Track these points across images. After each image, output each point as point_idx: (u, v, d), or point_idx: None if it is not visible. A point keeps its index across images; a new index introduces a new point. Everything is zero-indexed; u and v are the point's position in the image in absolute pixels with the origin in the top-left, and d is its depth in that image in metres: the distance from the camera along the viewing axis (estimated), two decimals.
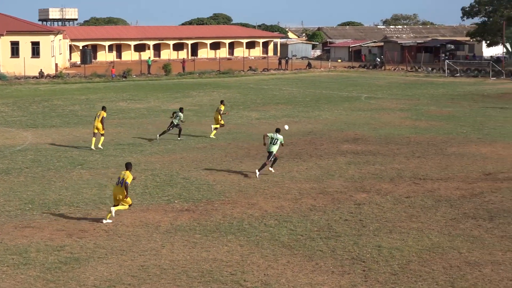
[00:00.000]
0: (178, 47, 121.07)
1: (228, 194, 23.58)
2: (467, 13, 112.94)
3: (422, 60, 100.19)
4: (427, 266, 16.31)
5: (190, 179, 25.96)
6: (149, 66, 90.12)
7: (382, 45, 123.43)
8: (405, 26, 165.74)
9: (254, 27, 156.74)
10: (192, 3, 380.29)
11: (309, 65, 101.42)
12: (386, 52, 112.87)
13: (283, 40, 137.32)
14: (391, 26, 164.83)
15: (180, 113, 35.23)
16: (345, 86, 68.96)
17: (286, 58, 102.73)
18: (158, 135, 35.49)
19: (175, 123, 35.06)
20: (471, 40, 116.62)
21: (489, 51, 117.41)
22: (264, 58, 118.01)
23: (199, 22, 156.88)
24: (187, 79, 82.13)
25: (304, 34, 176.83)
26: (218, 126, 36.48)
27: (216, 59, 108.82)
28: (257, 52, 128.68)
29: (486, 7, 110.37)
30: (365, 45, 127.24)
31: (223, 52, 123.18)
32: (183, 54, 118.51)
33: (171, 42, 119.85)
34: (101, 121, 32.47)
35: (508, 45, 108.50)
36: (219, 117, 36.29)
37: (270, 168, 27.16)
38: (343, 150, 31.89)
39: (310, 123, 41.41)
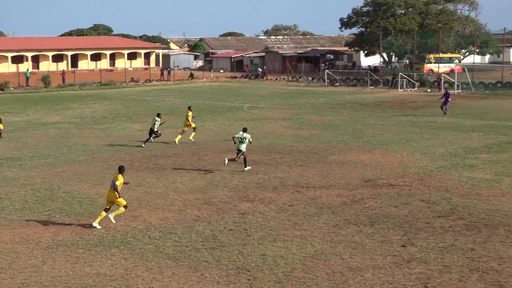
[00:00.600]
0: (57, 58, 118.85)
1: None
2: (345, 23, 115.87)
3: (302, 70, 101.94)
4: (310, 273, 16.55)
5: (71, 193, 25.46)
6: (27, 78, 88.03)
7: (264, 55, 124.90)
8: (286, 37, 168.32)
9: (135, 38, 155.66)
10: (72, 14, 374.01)
11: (191, 75, 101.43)
12: (267, 62, 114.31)
13: (165, 51, 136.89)
14: (272, 37, 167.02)
15: (158, 118, 37.33)
16: (228, 96, 69.32)
17: (168, 69, 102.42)
18: (143, 144, 37.03)
19: (155, 129, 37.13)
20: (350, 50, 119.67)
21: (367, 61, 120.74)
22: (146, 69, 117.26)
23: (79, 33, 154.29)
24: (67, 91, 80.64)
25: (186, 44, 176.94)
26: (193, 129, 38.52)
27: (97, 71, 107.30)
28: (139, 63, 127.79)
29: (363, 18, 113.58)
30: (247, 55, 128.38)
31: (104, 63, 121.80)
32: (62, 66, 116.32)
33: (50, 54, 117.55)
34: None
35: (384, 55, 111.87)
36: (189, 122, 38.09)
37: (245, 168, 29.35)
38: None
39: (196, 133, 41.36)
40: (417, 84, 78.74)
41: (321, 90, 79.01)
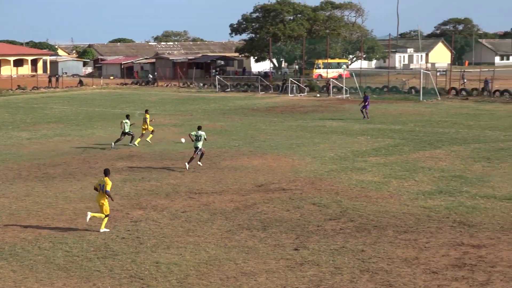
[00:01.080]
0: None
1: None
2: (235, 30, 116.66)
3: (193, 76, 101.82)
4: (204, 279, 16.55)
5: None
6: None
7: (154, 61, 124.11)
8: (176, 43, 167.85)
9: (21, 44, 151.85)
10: None
11: (80, 82, 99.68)
12: (158, 69, 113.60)
13: (53, 58, 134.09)
14: (162, 43, 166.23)
15: (127, 120, 38.74)
16: (118, 103, 68.50)
17: (57, 76, 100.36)
18: (113, 143, 38.52)
19: (127, 131, 38.36)
20: (240, 56, 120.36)
21: (257, 67, 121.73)
22: (33, 76, 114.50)
23: None
24: None
25: (74, 51, 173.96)
26: (150, 132, 39.69)
27: None
28: (25, 70, 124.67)
29: (253, 24, 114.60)
30: (137, 61, 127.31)
31: None
32: None
33: None
34: None
35: (274, 60, 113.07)
36: (147, 124, 39.43)
37: (199, 162, 31.44)
38: (118, 168, 31.63)
39: (83, 141, 40.70)
40: (306, 89, 79.95)
41: (213, 96, 79.16)
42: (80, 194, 26.15)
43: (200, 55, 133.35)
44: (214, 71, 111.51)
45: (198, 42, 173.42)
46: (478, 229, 20.25)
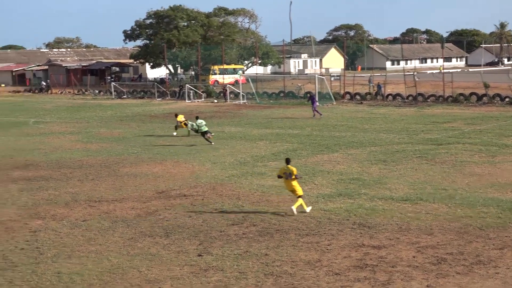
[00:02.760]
0: None
1: None
2: (129, 36, 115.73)
3: (88, 82, 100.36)
4: None
5: None
6: None
7: (47, 68, 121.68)
8: (69, 49, 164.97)
9: None
10: None
11: None
12: (51, 76, 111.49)
13: None
14: (55, 50, 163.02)
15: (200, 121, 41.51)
16: (12, 111, 66.84)
17: None
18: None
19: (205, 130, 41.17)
20: (135, 62, 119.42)
21: (153, 73, 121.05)
22: None
23: None
24: None
25: None
26: None
27: None
28: None
29: (147, 30, 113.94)
30: (29, 68, 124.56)
31: None
32: None
33: None
34: None
35: (170, 67, 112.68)
36: None
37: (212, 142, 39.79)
38: (14, 177, 30.83)
39: None
40: (203, 95, 80.00)
41: (109, 103, 78.20)
42: None
43: (94, 61, 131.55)
44: (109, 77, 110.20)
45: (92, 49, 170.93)
46: (377, 230, 20.69)
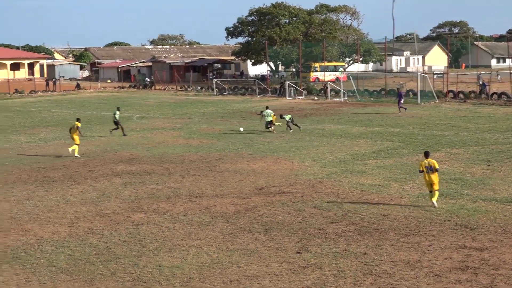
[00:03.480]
0: None
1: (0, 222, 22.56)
2: (231, 33, 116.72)
3: (191, 79, 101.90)
4: (207, 282, 16.52)
5: None
6: None
7: (151, 65, 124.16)
8: (172, 46, 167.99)
9: (18, 48, 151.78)
10: None
11: (78, 86, 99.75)
12: (155, 72, 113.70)
13: (49, 61, 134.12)
14: (159, 46, 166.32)
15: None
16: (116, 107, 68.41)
17: (54, 80, 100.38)
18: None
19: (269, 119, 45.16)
20: (237, 59, 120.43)
21: (254, 70, 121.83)
22: (30, 79, 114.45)
23: None
24: None
25: (71, 54, 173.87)
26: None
27: None
28: (22, 73, 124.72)
29: (249, 27, 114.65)
30: (134, 65, 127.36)
31: None
32: None
33: None
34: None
35: (271, 64, 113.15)
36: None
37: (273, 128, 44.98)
38: (118, 171, 31.61)
39: (82, 144, 40.51)
40: (304, 92, 79.98)
41: (210, 99, 79.18)
42: (81, 198, 26.12)
43: (196, 58, 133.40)
44: (211, 74, 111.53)
45: (195, 46, 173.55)
46: (480, 232, 20.24)
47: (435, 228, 20.77)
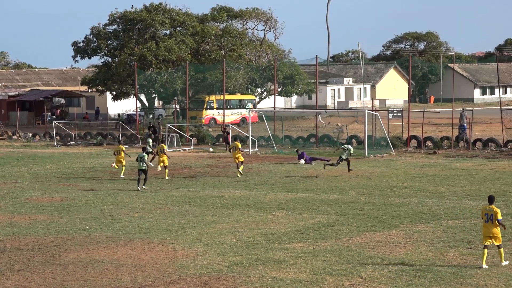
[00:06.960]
0: None
1: None
2: (81, 50, 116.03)
3: (17, 121, 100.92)
4: None
5: None
6: None
7: None
8: None
9: None
10: None
11: None
12: None
13: None
14: None
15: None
16: None
17: None
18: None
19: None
20: (90, 90, 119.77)
21: (117, 107, 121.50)
22: None
23: None
24: None
25: None
26: None
27: None
28: None
29: (109, 42, 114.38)
30: None
31: None
32: None
33: None
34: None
35: (143, 97, 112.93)
36: None
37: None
38: None
39: None
40: (193, 140, 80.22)
41: (49, 152, 78.62)
42: None
43: (27, 89, 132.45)
44: (49, 114, 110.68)
45: (24, 70, 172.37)
46: None
47: None
